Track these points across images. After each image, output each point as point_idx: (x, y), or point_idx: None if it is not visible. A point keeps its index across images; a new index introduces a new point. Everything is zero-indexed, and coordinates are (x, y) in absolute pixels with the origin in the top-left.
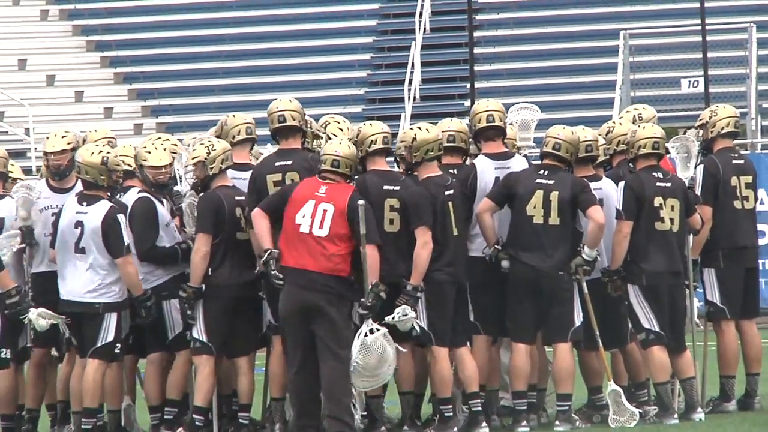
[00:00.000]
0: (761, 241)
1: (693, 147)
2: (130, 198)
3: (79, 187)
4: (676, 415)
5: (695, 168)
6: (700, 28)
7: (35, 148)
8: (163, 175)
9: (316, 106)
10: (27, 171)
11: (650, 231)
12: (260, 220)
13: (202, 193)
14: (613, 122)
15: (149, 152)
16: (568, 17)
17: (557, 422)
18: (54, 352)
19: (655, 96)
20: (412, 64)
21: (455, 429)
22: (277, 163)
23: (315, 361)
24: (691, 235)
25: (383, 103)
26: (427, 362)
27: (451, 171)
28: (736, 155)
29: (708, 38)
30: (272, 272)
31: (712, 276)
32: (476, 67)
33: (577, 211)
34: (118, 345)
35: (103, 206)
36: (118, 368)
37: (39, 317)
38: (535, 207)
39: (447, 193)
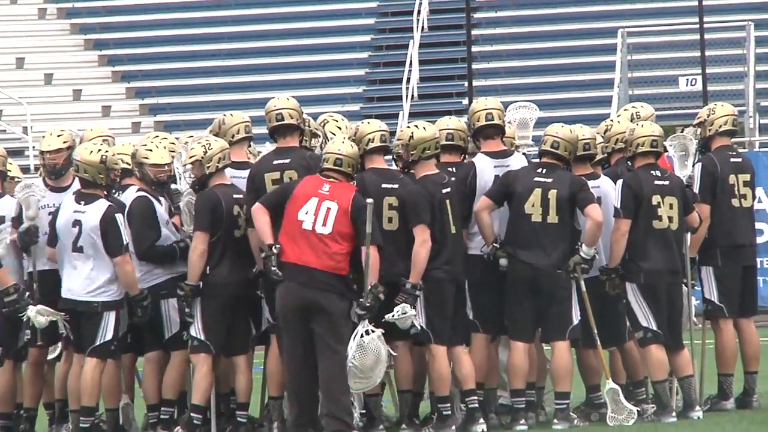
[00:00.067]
0: (759, 240)
1: (691, 145)
2: (128, 197)
3: (75, 185)
4: (674, 414)
5: (693, 166)
6: (698, 26)
7: (33, 147)
8: (164, 173)
9: (314, 104)
10: (25, 169)
11: (648, 229)
12: (261, 216)
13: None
14: (611, 120)
15: (150, 150)
16: (566, 15)
17: (555, 420)
18: (51, 353)
19: (653, 94)
20: (410, 62)
21: (453, 427)
22: (276, 162)
23: (313, 359)
24: (689, 233)
25: (381, 102)
26: (425, 361)
27: (450, 169)
28: (734, 153)
29: (706, 36)
30: (272, 268)
31: (710, 274)
32: (474, 66)
33: (576, 209)
34: (116, 343)
35: (101, 205)
36: (115, 367)
37: (38, 314)
38: (533, 205)
39: (444, 191)
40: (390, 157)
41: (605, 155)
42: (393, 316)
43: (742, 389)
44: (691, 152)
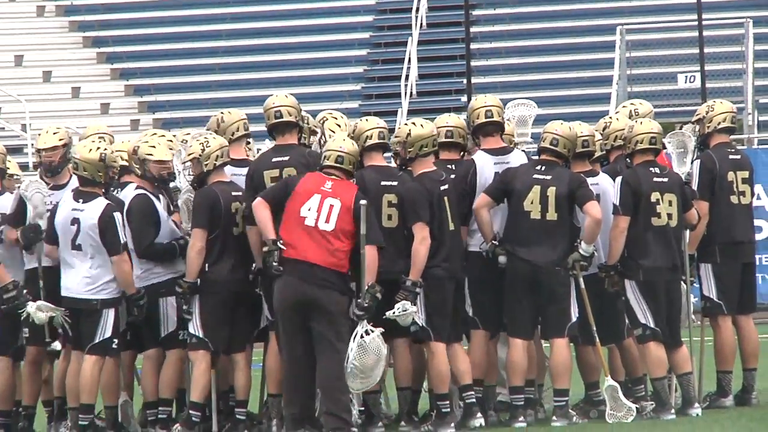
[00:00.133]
0: (758, 236)
1: (689, 142)
2: (127, 194)
3: (72, 183)
4: (673, 411)
5: (691, 163)
6: (696, 23)
7: (32, 144)
8: (167, 169)
9: (312, 101)
10: (24, 167)
11: (647, 226)
12: (263, 210)
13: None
14: (610, 118)
15: (154, 147)
16: (564, 13)
17: (554, 417)
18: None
19: (652, 91)
20: (409, 59)
21: (452, 424)
22: (274, 159)
23: (311, 356)
24: (688, 230)
25: (380, 99)
26: (424, 358)
27: (449, 167)
28: (733, 150)
29: (705, 33)
30: (274, 264)
31: (709, 271)
32: (473, 63)
33: (575, 206)
34: (115, 341)
35: (100, 204)
36: (114, 364)
37: (38, 310)
38: (532, 202)
39: (442, 188)
40: (390, 154)
41: (604, 152)
42: (394, 313)
43: (740, 386)
44: (689, 149)
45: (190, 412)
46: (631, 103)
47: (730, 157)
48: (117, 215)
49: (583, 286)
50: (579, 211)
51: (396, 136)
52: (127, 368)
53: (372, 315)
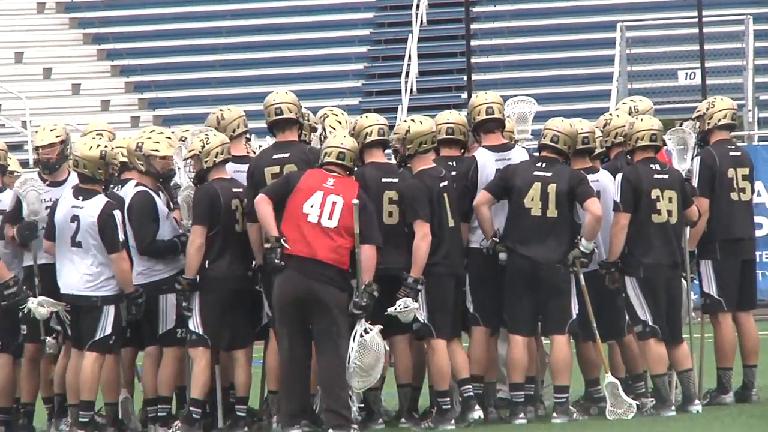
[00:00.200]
0: (758, 233)
1: (690, 139)
2: (127, 191)
3: (71, 179)
4: (673, 407)
5: (692, 160)
6: (697, 19)
7: (32, 141)
8: (171, 165)
9: (312, 98)
10: (24, 164)
11: (648, 223)
12: (265, 206)
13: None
14: (611, 114)
15: (158, 143)
16: (564, 9)
17: (554, 414)
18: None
19: (652, 88)
20: (409, 56)
21: (452, 421)
22: (275, 156)
23: (309, 353)
24: (688, 227)
25: (380, 96)
26: (424, 355)
27: (450, 163)
28: (733, 147)
29: (705, 30)
30: (276, 260)
31: (709, 268)
32: (473, 60)
33: (575, 203)
34: (115, 337)
35: (100, 201)
36: (114, 361)
37: (39, 306)
38: (532, 199)
39: (442, 184)
40: (390, 151)
41: (604, 149)
42: (395, 309)
43: (741, 383)
44: (690, 146)
45: (191, 408)
46: (631, 100)
47: (731, 153)
48: (116, 213)
49: (583, 282)
50: (579, 208)
51: (395, 133)
52: (128, 365)
53: (369, 314)
